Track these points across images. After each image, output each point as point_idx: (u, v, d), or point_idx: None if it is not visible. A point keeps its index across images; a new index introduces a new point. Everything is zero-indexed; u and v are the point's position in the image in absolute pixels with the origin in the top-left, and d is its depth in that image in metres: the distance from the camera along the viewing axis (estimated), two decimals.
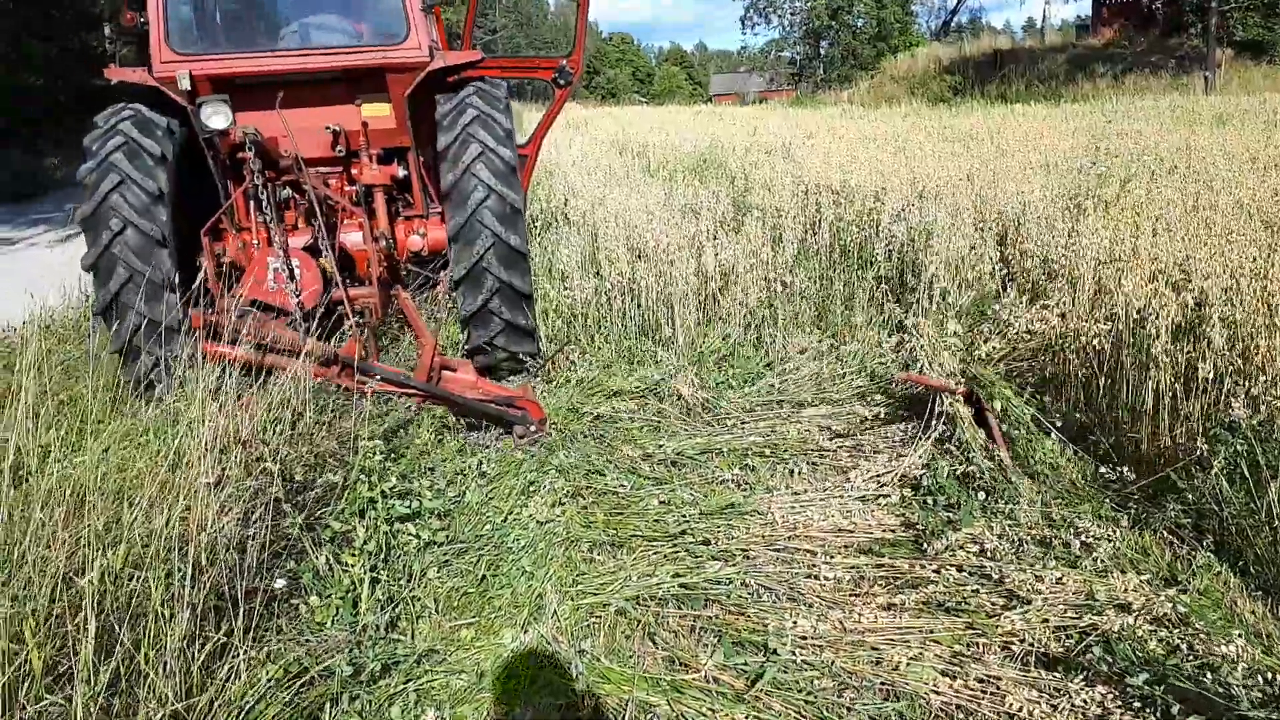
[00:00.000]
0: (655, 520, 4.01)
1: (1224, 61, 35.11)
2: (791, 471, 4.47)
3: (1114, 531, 3.58)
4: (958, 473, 4.12)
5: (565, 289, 7.37)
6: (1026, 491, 3.93)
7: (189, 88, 5.15)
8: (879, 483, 4.19)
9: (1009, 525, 3.68)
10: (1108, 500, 3.96)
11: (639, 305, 6.94)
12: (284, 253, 5.03)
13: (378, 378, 4.69)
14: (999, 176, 10.31)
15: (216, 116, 4.96)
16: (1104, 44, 43.74)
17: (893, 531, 3.81)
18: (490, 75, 6.14)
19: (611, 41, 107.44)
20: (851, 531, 3.79)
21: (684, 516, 3.99)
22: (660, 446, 4.76)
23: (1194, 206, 6.53)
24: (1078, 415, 4.75)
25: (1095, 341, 4.58)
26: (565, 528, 4.03)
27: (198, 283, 4.93)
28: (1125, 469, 4.03)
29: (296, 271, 5.12)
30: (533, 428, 4.88)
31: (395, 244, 6.07)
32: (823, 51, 56.88)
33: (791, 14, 59.00)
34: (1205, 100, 26.62)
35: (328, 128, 5.66)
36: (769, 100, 56.69)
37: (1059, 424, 4.42)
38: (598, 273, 8.22)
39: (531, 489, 4.44)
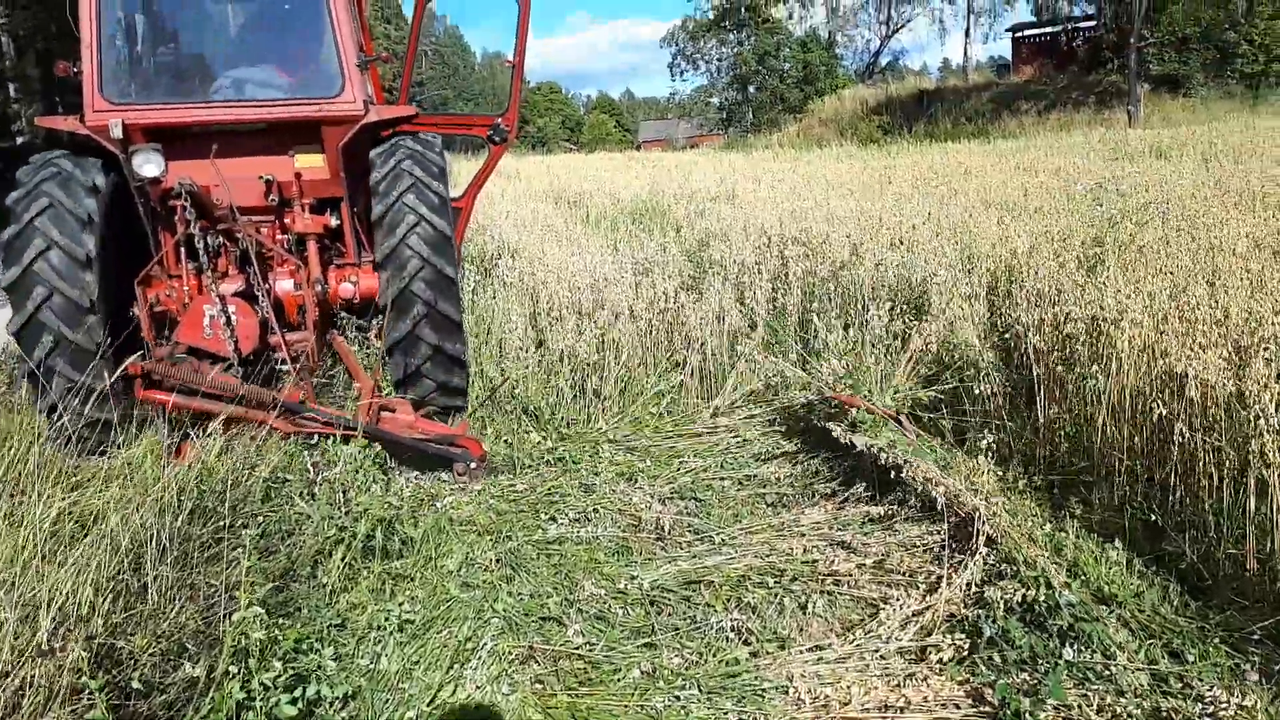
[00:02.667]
0: (638, 701, 3.00)
1: (1143, 96, 35.81)
2: (804, 607, 3.51)
3: (1248, 699, 2.68)
4: (1016, 601, 3.20)
5: (502, 365, 6.40)
6: (1116, 636, 3.02)
7: (121, 136, 5.07)
8: (920, 625, 3.24)
9: (1109, 693, 2.76)
10: (1217, 642, 3.07)
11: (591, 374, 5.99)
12: (220, 299, 5.01)
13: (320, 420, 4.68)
14: (966, 218, 9.66)
15: (149, 165, 4.88)
16: (1025, 82, 44.56)
17: (958, 707, 2.85)
18: (425, 130, 6.17)
19: (540, 91, 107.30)
20: (904, 710, 2.83)
21: (676, 695, 2.99)
22: (634, 578, 3.76)
23: (1207, 246, 5.83)
24: (1132, 513, 3.90)
25: (1160, 428, 3.74)
26: (515, 715, 3.00)
27: (126, 332, 4.94)
28: (1229, 598, 3.15)
29: (233, 318, 5.10)
30: (473, 464, 4.90)
31: (327, 291, 5.97)
32: (750, 96, 57.11)
33: (719, 60, 59.31)
34: (1134, 133, 26.80)
35: (261, 177, 5.61)
36: (699, 146, 56.67)
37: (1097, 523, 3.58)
38: (540, 342, 7.26)
39: (468, 649, 3.41)
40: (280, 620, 3.29)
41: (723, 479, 4.82)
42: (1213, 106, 35.02)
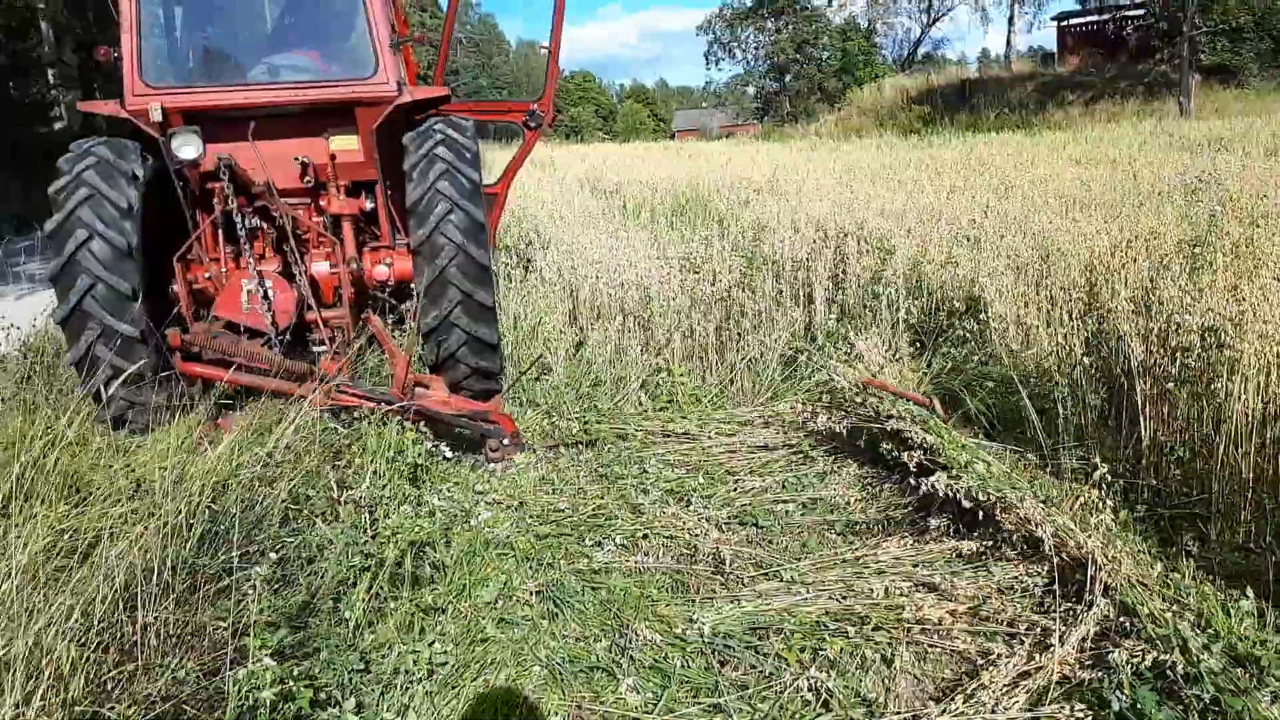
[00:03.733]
0: None
1: (1194, 86, 34.75)
2: (889, 661, 3.06)
3: None
4: (1144, 665, 2.74)
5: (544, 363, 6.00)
6: (1270, 713, 2.55)
7: (160, 119, 5.17)
8: (1030, 690, 2.78)
9: None
10: None
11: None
12: (258, 274, 5.14)
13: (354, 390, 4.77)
14: (1031, 212, 9.11)
15: (187, 147, 4.93)
16: (1071, 72, 43.45)
17: None
18: (461, 115, 6.09)
19: (574, 80, 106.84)
20: None
21: None
22: (692, 621, 3.32)
23: None
24: (1260, 555, 3.41)
25: None
26: None
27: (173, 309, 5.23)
28: None
29: (270, 292, 5.23)
30: (505, 441, 4.96)
31: (362, 272, 6.06)
32: (787, 85, 56.26)
33: (756, 48, 58.46)
34: (1187, 125, 25.89)
35: (297, 159, 5.71)
36: (734, 135, 55.98)
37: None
38: (580, 343, 6.85)
39: (506, 703, 3.00)
40: (296, 666, 2.90)
41: (784, 501, 4.37)
42: (1267, 98, 33.89)
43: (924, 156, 20.70)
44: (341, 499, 3.92)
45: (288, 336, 5.48)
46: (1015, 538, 3.59)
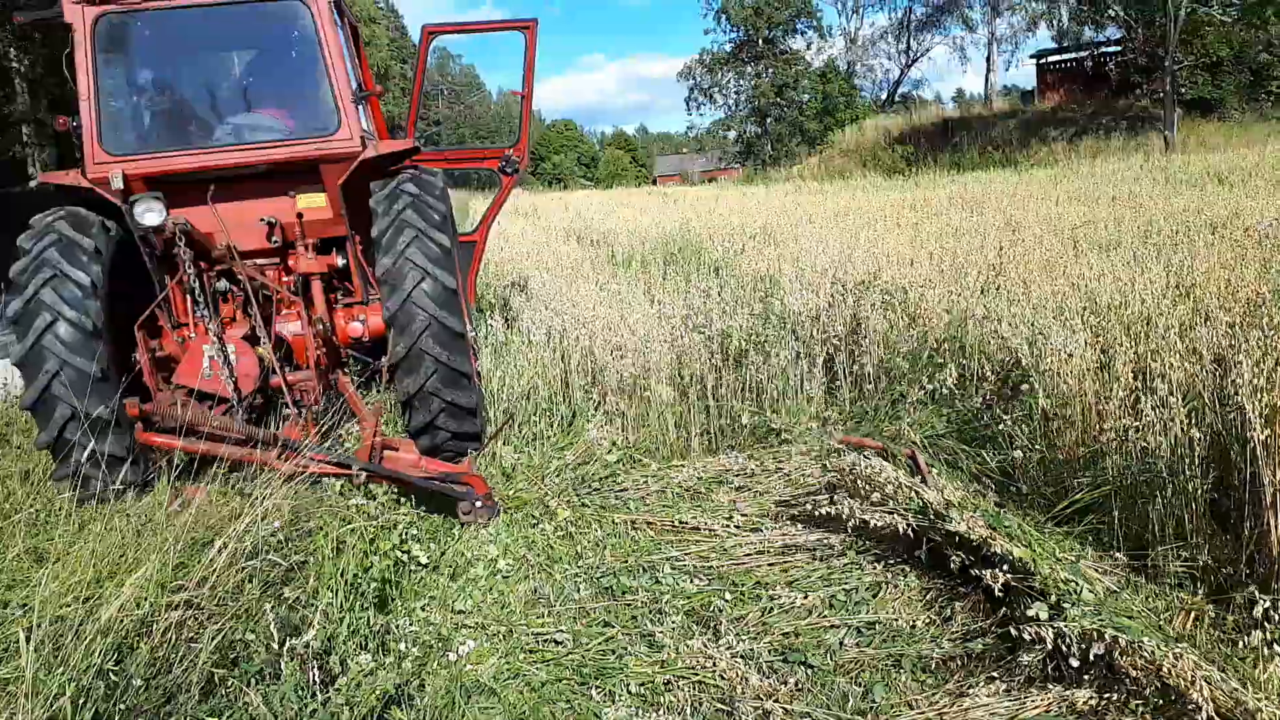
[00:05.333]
0: None
1: (1177, 120, 34.70)
2: None
3: None
4: None
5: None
6: None
7: (122, 187, 5.14)
8: None
9: None
10: None
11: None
12: (219, 340, 5.04)
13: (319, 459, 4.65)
14: (1053, 257, 8.45)
15: (149, 214, 4.90)
16: (1052, 108, 43.52)
17: None
18: (433, 165, 6.19)
19: (555, 128, 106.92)
20: None
21: None
22: None
23: None
24: None
25: None
26: None
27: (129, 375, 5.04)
28: None
29: (232, 358, 5.13)
30: (478, 503, 4.81)
31: (335, 331, 6.02)
32: (769, 128, 56.18)
33: (736, 92, 58.44)
34: (1177, 159, 25.61)
35: (263, 220, 5.67)
36: (717, 179, 55.79)
37: None
38: (573, 417, 6.09)
39: None
40: None
41: (834, 625, 3.57)
42: (1250, 130, 33.90)
43: (915, 197, 20.23)
44: (284, 650, 3.09)
45: (255, 401, 5.40)
46: (1142, 686, 2.81)
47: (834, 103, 54.92)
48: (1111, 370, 4.44)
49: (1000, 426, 4.93)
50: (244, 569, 3.59)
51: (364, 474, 4.68)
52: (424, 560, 4.48)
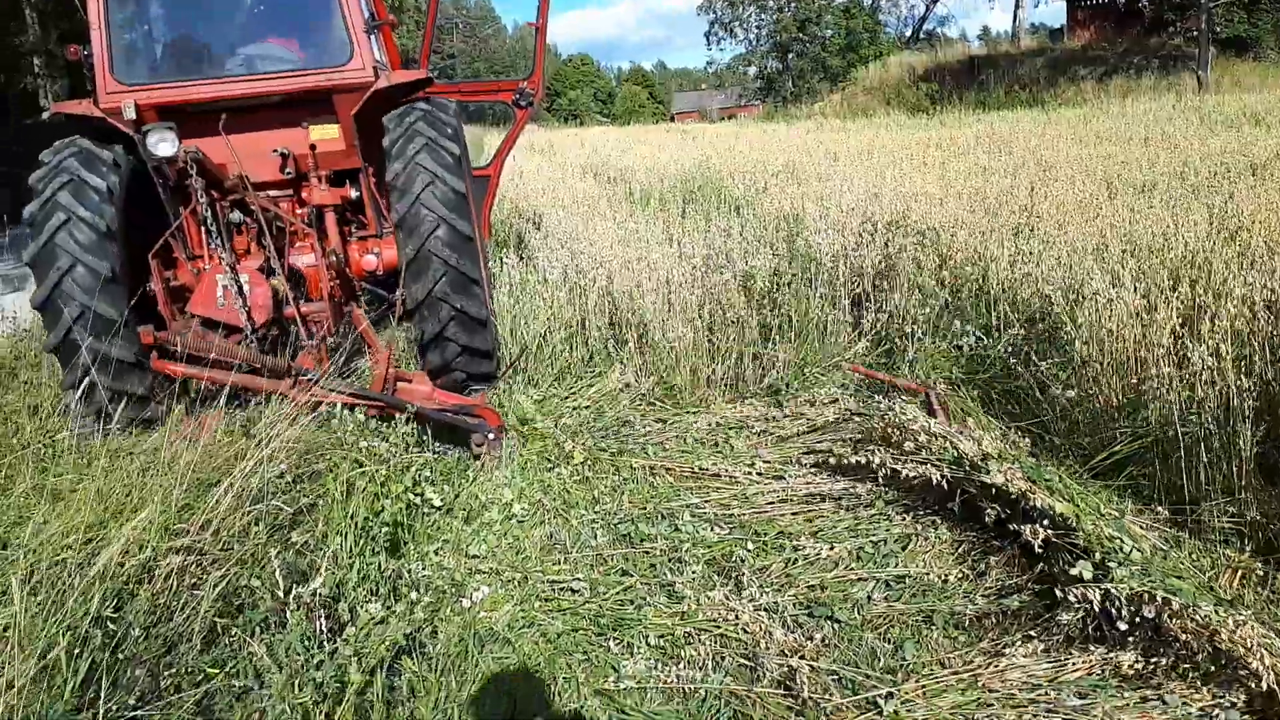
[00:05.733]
0: None
1: (1211, 60, 33.68)
2: None
3: None
4: None
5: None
6: None
7: (134, 117, 5.12)
8: None
9: None
10: None
11: None
12: (232, 270, 5.04)
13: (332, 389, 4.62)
14: (1086, 198, 8.15)
15: (163, 144, 4.85)
16: (1082, 46, 42.33)
17: None
18: (446, 98, 6.11)
19: (571, 63, 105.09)
20: None
21: None
22: None
23: None
24: None
25: None
26: None
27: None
28: None
29: (246, 288, 5.13)
30: (490, 435, 4.79)
31: (349, 263, 6.00)
32: (791, 64, 54.98)
33: (758, 27, 57.12)
34: (1210, 99, 24.84)
35: (276, 151, 5.64)
36: (737, 116, 54.80)
37: None
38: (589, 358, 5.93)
39: None
40: None
41: (862, 579, 3.42)
42: None
43: (940, 135, 19.72)
44: (290, 598, 2.97)
45: (270, 332, 5.39)
46: (1193, 651, 2.65)
47: (858, 38, 53.64)
48: (1155, 316, 4.22)
49: (1035, 373, 4.73)
50: (250, 513, 3.45)
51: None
52: (437, 503, 4.36)
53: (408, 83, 5.84)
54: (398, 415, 4.71)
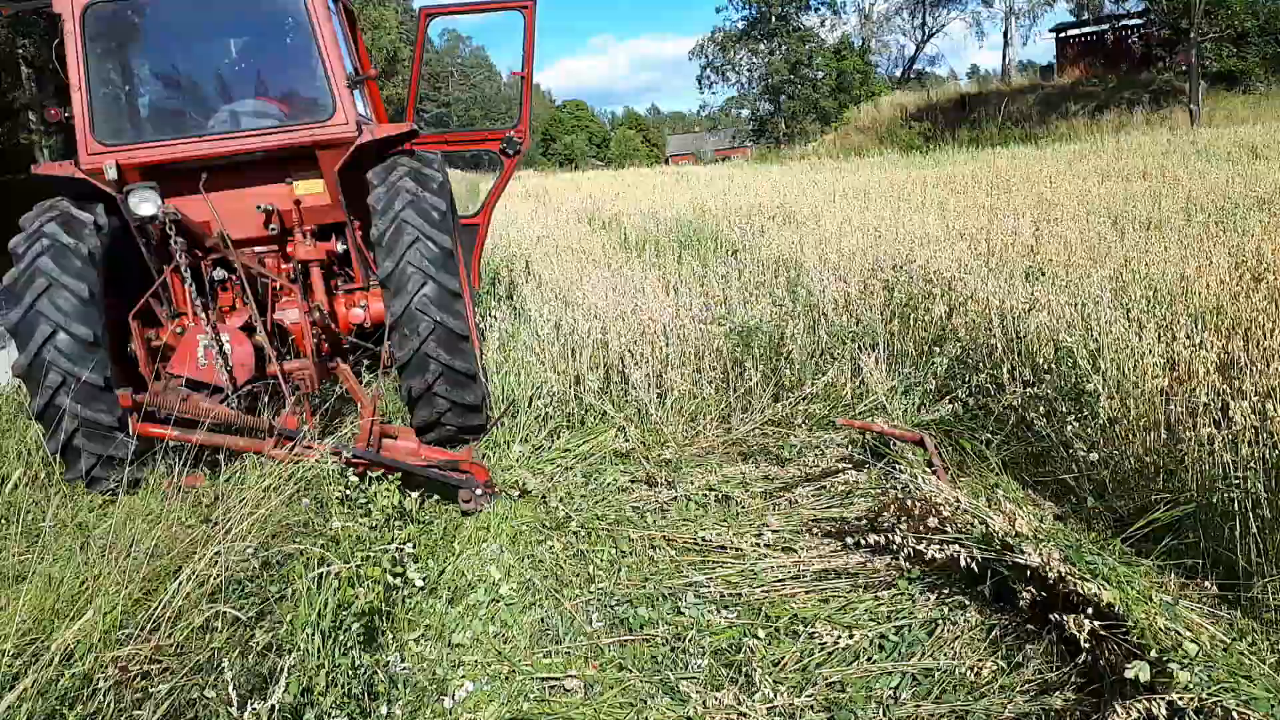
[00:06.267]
0: None
1: (1202, 93, 33.83)
2: None
3: None
4: None
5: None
6: None
7: (116, 177, 5.10)
8: None
9: None
10: None
11: None
12: (213, 329, 5.02)
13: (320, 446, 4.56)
14: (1097, 238, 7.90)
15: (145, 204, 4.82)
16: (1073, 83, 42.59)
17: None
18: (433, 149, 6.06)
19: (565, 109, 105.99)
20: None
21: None
22: None
23: None
24: None
25: None
26: None
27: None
28: None
29: (227, 347, 5.11)
30: (478, 491, 4.76)
31: (335, 318, 6.00)
32: (783, 106, 55.31)
33: (749, 69, 57.58)
34: (1205, 133, 24.81)
35: (260, 207, 5.63)
36: (731, 158, 55.07)
37: None
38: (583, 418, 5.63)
39: None
40: None
41: (886, 672, 3.09)
42: (1276, 102, 33.09)
43: (937, 174, 19.60)
44: (245, 715, 2.63)
45: (253, 389, 5.33)
46: None
47: (849, 79, 54.06)
48: (1192, 369, 3.93)
49: (1057, 430, 4.43)
50: (207, 611, 3.12)
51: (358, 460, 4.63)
52: (419, 582, 4.06)
53: (392, 136, 5.77)
54: (386, 474, 4.62)
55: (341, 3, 6.43)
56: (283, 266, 5.93)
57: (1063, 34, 46.26)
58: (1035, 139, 33.73)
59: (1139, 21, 40.48)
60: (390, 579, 3.86)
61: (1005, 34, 53.16)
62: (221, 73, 6.34)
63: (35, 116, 30.45)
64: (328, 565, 3.53)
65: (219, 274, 5.63)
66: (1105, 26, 43.70)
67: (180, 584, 3.30)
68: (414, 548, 4.34)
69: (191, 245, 5.16)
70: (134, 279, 5.45)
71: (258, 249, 5.88)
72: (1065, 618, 2.78)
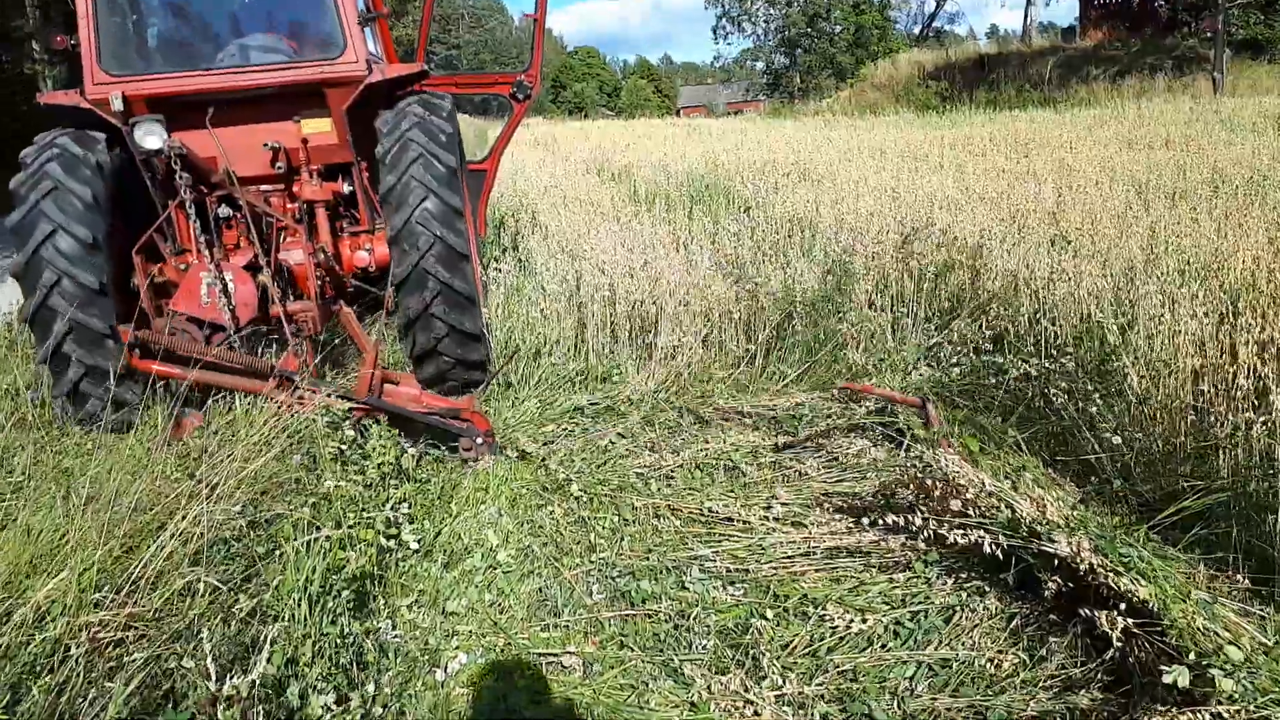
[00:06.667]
0: None
1: (1228, 62, 33.14)
2: None
3: None
4: None
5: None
6: None
7: (122, 109, 5.03)
8: None
9: None
10: None
11: None
12: (217, 267, 4.92)
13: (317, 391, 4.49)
14: (1124, 208, 7.64)
15: (150, 137, 4.75)
16: (1095, 46, 41.77)
17: None
18: (443, 91, 6.01)
19: (577, 55, 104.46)
20: None
21: None
22: None
23: None
24: None
25: None
26: None
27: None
28: None
29: (230, 286, 5.01)
30: (479, 440, 4.66)
31: (340, 260, 5.91)
32: (798, 60, 54.36)
33: (766, 21, 56.52)
34: (1230, 102, 24.29)
35: (267, 145, 5.55)
36: (743, 112, 54.24)
37: None
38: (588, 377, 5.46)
39: None
40: None
41: (901, 660, 2.94)
42: None
43: (954, 135, 19.18)
44: (221, 692, 2.48)
45: (257, 329, 5.27)
46: None
47: (867, 35, 53.03)
48: (1230, 349, 3.74)
49: (1082, 408, 4.25)
50: (189, 574, 2.97)
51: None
52: (414, 545, 3.89)
53: (403, 76, 5.72)
54: (384, 422, 4.50)
55: None
56: (288, 206, 5.85)
57: None
58: (1054, 103, 33.10)
59: None
60: (384, 541, 3.71)
61: None
62: (231, 6, 6.22)
63: (39, 45, 29.98)
64: (318, 529, 3.36)
65: (224, 211, 5.53)
66: None
67: (162, 543, 3.15)
68: (409, 507, 4.19)
69: (197, 181, 5.08)
70: (139, 213, 5.35)
71: (263, 187, 5.79)
72: (1096, 613, 2.61)
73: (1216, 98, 27.76)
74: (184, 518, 3.32)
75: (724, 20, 58.10)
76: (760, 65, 58.54)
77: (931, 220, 6.92)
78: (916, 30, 59.14)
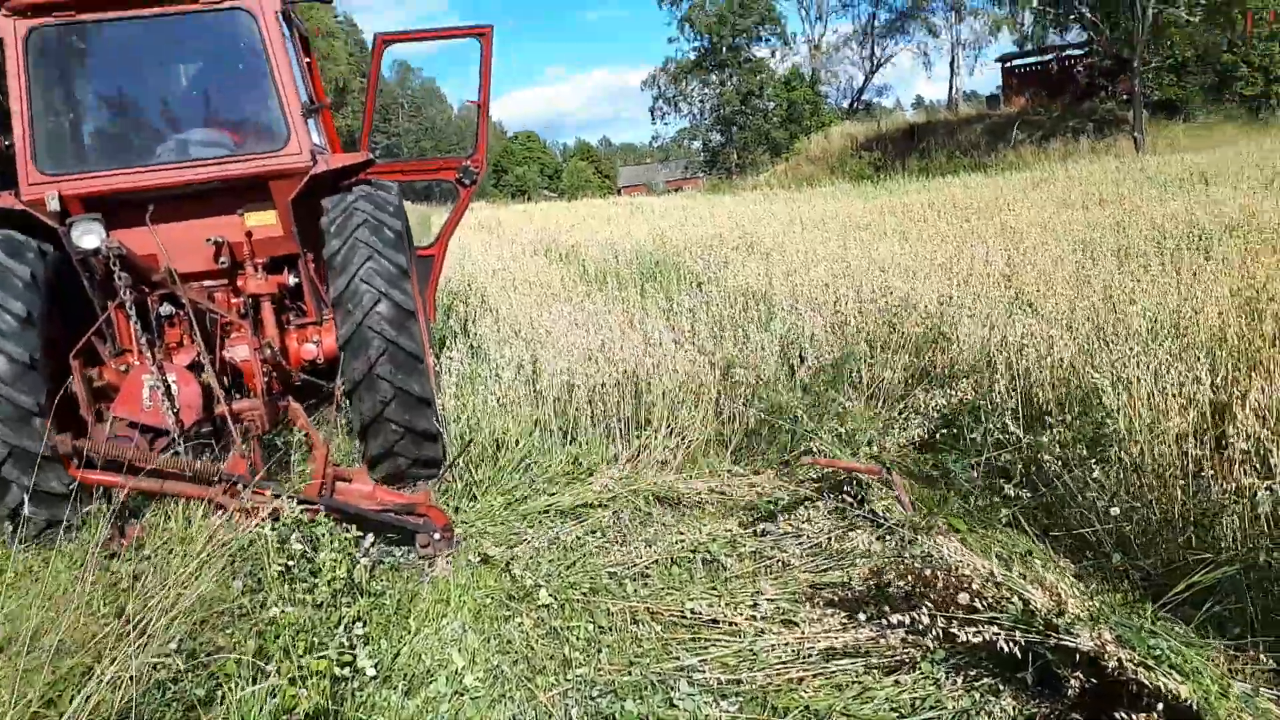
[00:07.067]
0: None
1: (1144, 121, 34.55)
2: None
3: None
4: None
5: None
6: None
7: (58, 209, 4.94)
8: None
9: None
10: None
11: None
12: (159, 369, 4.75)
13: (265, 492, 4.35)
14: (1078, 270, 7.66)
15: (88, 236, 4.57)
16: (1018, 112, 43.32)
17: None
18: (388, 179, 5.93)
19: (517, 140, 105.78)
20: None
21: None
22: None
23: None
24: None
25: None
26: None
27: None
28: None
29: (174, 388, 4.86)
30: (436, 536, 4.53)
31: (287, 354, 5.74)
32: (734, 136, 55.59)
33: (701, 101, 57.87)
34: (1153, 160, 25.17)
35: (210, 240, 5.43)
36: (683, 189, 55.13)
37: None
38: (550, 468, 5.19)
39: None
40: None
41: None
42: (1215, 130, 33.90)
43: (892, 203, 19.51)
44: None
45: (201, 430, 5.06)
46: None
47: (799, 110, 54.52)
48: (1222, 410, 3.61)
49: (1075, 480, 4.07)
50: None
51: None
52: (371, 671, 3.54)
53: (348, 166, 5.62)
54: (332, 527, 4.22)
55: (296, 29, 6.17)
56: (233, 301, 5.69)
57: (1008, 64, 47.14)
58: (984, 167, 34.12)
59: (1081, 52, 41.40)
60: (338, 670, 3.37)
61: (952, 64, 54.20)
62: (170, 100, 6.13)
63: None
64: (265, 664, 3.02)
65: (165, 309, 5.36)
66: (1049, 57, 44.66)
67: (88, 693, 2.79)
68: (364, 626, 3.84)
69: (137, 280, 4.90)
70: (76, 315, 5.17)
71: (207, 283, 5.63)
72: (1133, 716, 2.38)
73: (1140, 156, 28.82)
74: (112, 662, 2.96)
75: (660, 101, 59.38)
76: (697, 144, 59.74)
77: (890, 288, 6.83)
78: (846, 104, 61.00)
